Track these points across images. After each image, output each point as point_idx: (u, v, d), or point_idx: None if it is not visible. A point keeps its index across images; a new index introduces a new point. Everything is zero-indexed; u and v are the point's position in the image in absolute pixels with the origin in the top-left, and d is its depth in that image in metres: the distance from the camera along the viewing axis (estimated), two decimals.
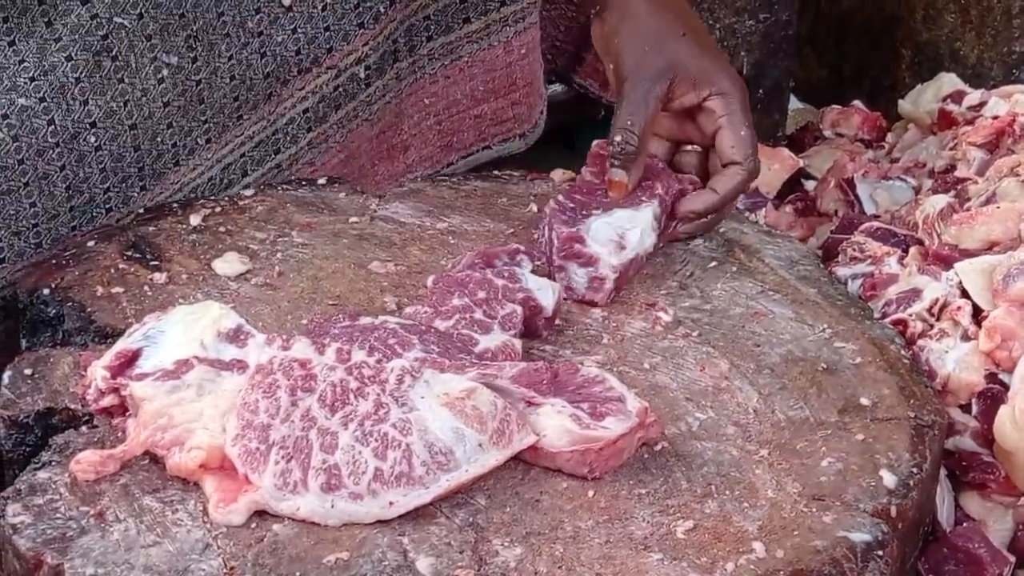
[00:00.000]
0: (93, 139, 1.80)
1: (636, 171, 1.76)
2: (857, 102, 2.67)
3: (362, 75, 1.98)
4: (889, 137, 2.54)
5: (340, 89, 1.99)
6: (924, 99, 2.49)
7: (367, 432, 1.36)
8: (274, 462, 1.34)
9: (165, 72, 1.83)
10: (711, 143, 1.82)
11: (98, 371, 1.43)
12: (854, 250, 1.92)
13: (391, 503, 1.34)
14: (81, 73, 1.77)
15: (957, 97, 2.40)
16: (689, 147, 1.87)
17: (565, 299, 1.67)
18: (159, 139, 1.86)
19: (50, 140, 1.76)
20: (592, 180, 1.79)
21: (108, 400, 1.44)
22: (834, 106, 2.66)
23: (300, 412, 1.38)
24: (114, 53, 1.79)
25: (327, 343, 1.45)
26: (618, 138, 1.75)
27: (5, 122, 1.73)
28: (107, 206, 1.84)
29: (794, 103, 2.91)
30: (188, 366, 1.42)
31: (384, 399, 1.39)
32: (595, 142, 1.83)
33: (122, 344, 1.46)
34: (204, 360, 1.43)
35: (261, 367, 1.41)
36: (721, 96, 1.79)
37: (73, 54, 1.76)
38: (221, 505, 1.34)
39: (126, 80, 1.81)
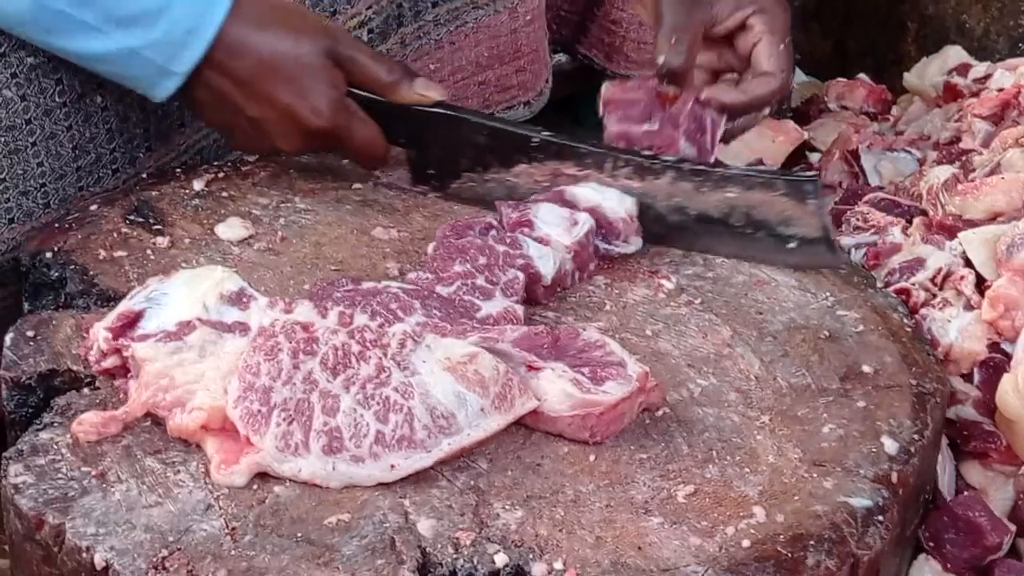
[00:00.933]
0: (100, 99, 1.80)
1: (687, 84, 1.77)
2: (862, 75, 2.67)
3: (365, 39, 1.98)
4: (894, 110, 2.54)
5: None
6: (929, 72, 2.49)
7: (369, 395, 1.36)
8: (275, 424, 1.35)
9: None
10: (748, 64, 1.82)
11: (100, 332, 1.43)
12: (858, 220, 1.92)
13: (392, 466, 1.34)
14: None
15: (963, 70, 2.41)
16: (728, 76, 1.87)
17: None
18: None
19: (57, 99, 1.76)
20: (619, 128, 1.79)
21: (110, 361, 1.44)
22: (839, 79, 2.66)
23: (302, 375, 1.38)
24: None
25: (329, 307, 1.45)
26: (664, 54, 1.74)
27: (14, 81, 1.73)
28: (113, 167, 1.83)
29: (799, 76, 2.89)
30: (190, 328, 1.42)
31: (386, 363, 1.39)
32: (606, 85, 1.83)
33: (124, 306, 1.46)
34: (206, 322, 1.43)
35: (263, 330, 1.41)
36: (763, 13, 1.80)
37: None
38: (223, 466, 1.34)
39: None
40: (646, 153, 1.74)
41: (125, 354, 1.42)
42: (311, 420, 1.35)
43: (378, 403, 1.36)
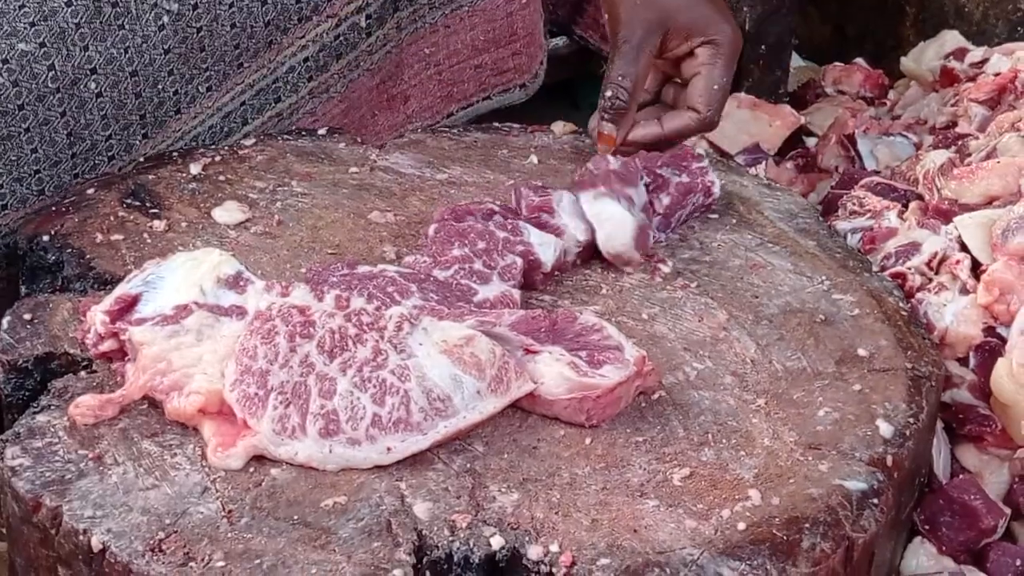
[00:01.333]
0: (94, 85, 1.80)
1: (624, 126, 1.79)
2: (859, 60, 2.66)
3: (363, 24, 1.98)
4: (891, 94, 2.54)
5: (341, 38, 1.99)
6: (926, 56, 2.49)
7: (365, 378, 1.37)
8: (272, 407, 1.35)
9: (166, 19, 1.83)
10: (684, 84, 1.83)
11: (97, 315, 1.44)
12: (854, 204, 1.92)
13: (389, 448, 1.35)
14: (81, 19, 1.77)
15: (959, 54, 2.40)
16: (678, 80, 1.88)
17: None
18: (160, 86, 1.86)
19: (50, 86, 1.76)
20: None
21: (107, 345, 1.44)
22: (836, 63, 2.66)
23: (298, 358, 1.38)
24: None
25: (326, 290, 1.45)
26: (608, 92, 1.76)
27: (5, 67, 1.73)
28: (109, 153, 1.83)
29: (796, 60, 2.90)
30: (187, 311, 1.42)
31: (383, 346, 1.39)
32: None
33: (122, 289, 1.46)
34: (203, 305, 1.43)
35: (260, 313, 1.41)
36: (710, 45, 1.79)
37: None
38: (219, 449, 1.34)
39: (127, 26, 1.80)
40: None
41: (122, 338, 1.42)
42: (308, 403, 1.35)
43: (375, 386, 1.36)
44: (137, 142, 1.85)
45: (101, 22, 1.78)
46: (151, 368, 1.39)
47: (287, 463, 1.34)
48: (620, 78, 1.76)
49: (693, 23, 1.79)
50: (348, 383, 1.36)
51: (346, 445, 1.34)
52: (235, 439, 1.35)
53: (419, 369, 1.38)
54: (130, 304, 1.44)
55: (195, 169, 1.77)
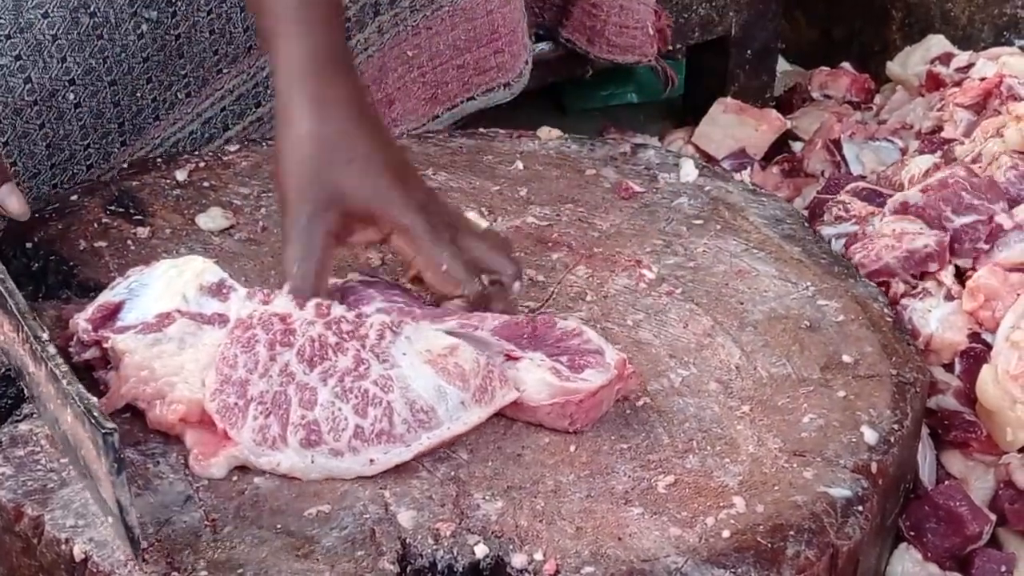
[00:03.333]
0: (72, 96, 1.79)
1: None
2: (846, 64, 2.67)
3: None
4: (877, 99, 2.54)
5: None
6: (912, 61, 2.50)
7: (347, 389, 1.36)
8: (252, 417, 1.34)
9: (144, 27, 1.82)
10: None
11: (80, 324, 1.43)
12: (839, 209, 1.92)
13: (372, 460, 1.34)
14: (58, 30, 1.76)
15: (945, 59, 2.41)
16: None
17: None
18: (139, 94, 1.86)
19: (27, 98, 1.76)
20: None
21: (90, 353, 1.43)
22: (823, 68, 2.66)
23: (278, 367, 1.37)
24: (92, 9, 1.78)
25: (308, 297, 1.44)
26: (292, 287, 1.44)
27: None
28: (88, 163, 1.83)
29: (783, 65, 2.90)
30: (170, 319, 1.42)
31: (364, 355, 1.38)
32: None
33: (104, 297, 1.46)
34: (186, 313, 1.43)
35: (241, 321, 1.41)
36: (400, 233, 1.49)
37: (49, 11, 1.75)
38: (201, 459, 1.34)
39: (105, 36, 1.80)
40: None
41: (105, 346, 1.42)
42: (288, 413, 1.35)
43: (357, 396, 1.36)
44: (116, 150, 1.85)
45: (79, 33, 1.77)
46: (133, 376, 1.38)
47: (270, 472, 1.34)
48: (298, 272, 1.44)
49: (372, 201, 1.48)
50: (329, 393, 1.36)
51: (328, 456, 1.34)
52: (216, 448, 1.34)
53: (402, 380, 1.38)
54: (113, 312, 1.44)
55: (181, 176, 1.76)
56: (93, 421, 1.22)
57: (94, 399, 1.26)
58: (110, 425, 1.21)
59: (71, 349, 1.45)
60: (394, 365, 1.38)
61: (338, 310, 1.42)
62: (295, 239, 1.45)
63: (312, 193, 1.46)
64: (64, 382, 1.27)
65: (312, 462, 1.33)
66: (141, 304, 1.44)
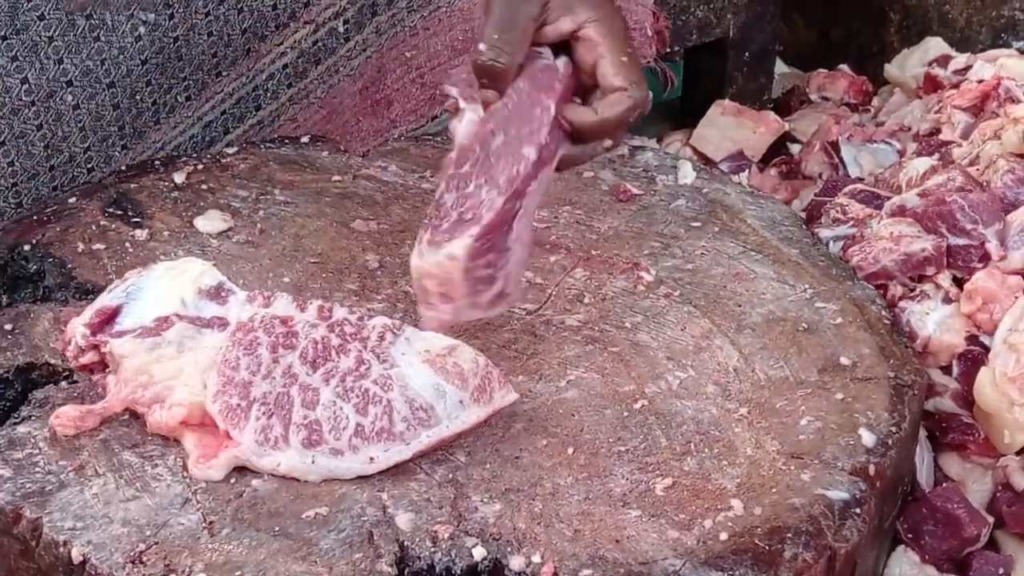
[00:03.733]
0: (70, 98, 1.79)
1: (505, 87, 1.56)
2: (844, 66, 2.67)
3: (341, 29, 1.98)
4: (875, 101, 2.54)
5: (319, 44, 1.99)
6: (910, 63, 2.50)
7: (348, 388, 1.36)
8: (255, 418, 1.34)
9: (142, 29, 1.82)
10: (593, 79, 1.61)
11: (78, 328, 1.43)
12: (837, 212, 1.92)
13: (372, 459, 1.34)
14: (54, 32, 1.76)
15: (943, 61, 2.41)
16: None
17: None
18: (138, 97, 1.86)
19: (25, 99, 1.76)
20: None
21: (88, 357, 1.43)
22: (821, 70, 2.66)
23: (281, 369, 1.38)
24: (88, 11, 1.78)
25: (308, 300, 1.45)
26: (484, 50, 1.53)
27: None
28: (88, 165, 1.83)
29: (781, 67, 2.90)
30: (168, 323, 1.42)
31: (365, 355, 1.39)
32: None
33: (102, 301, 1.45)
34: (184, 317, 1.43)
35: (242, 324, 1.41)
36: (598, 23, 1.59)
37: (46, 13, 1.75)
38: (201, 461, 1.34)
39: (102, 38, 1.80)
40: None
41: (103, 350, 1.42)
42: (290, 413, 1.35)
43: (357, 396, 1.36)
44: (117, 153, 1.85)
45: (75, 34, 1.77)
46: (133, 380, 1.38)
47: (269, 474, 1.34)
48: (496, 37, 1.54)
49: None
50: (331, 393, 1.36)
51: (329, 455, 1.34)
52: (217, 450, 1.35)
53: (402, 379, 1.38)
54: (111, 316, 1.44)
55: (179, 178, 1.76)
56: None
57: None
58: None
59: (69, 353, 1.45)
60: (394, 365, 1.39)
61: (340, 313, 1.43)
62: (500, 15, 1.55)
63: None
64: None
65: (313, 462, 1.34)
66: (139, 308, 1.44)
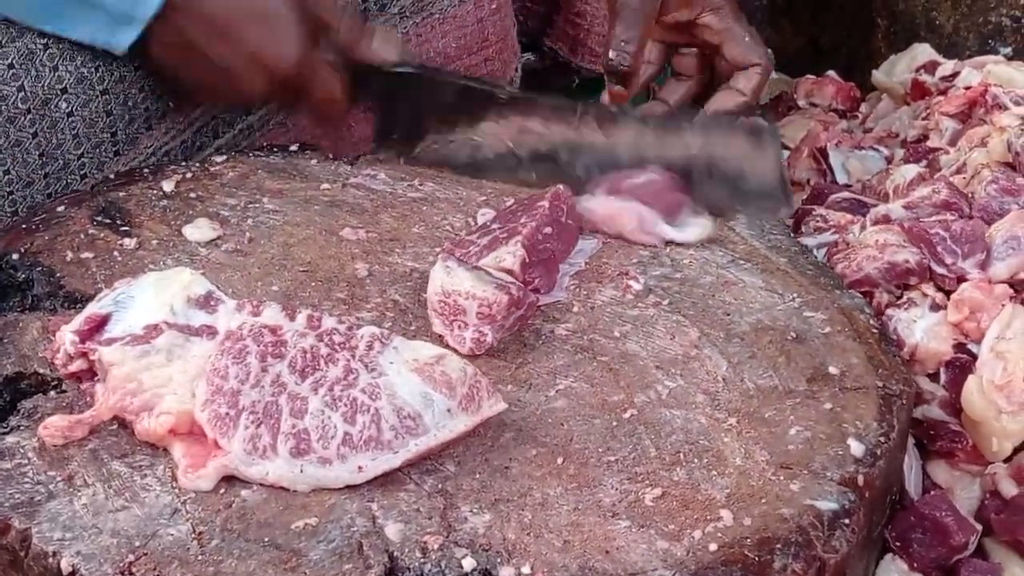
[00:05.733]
0: (64, 105, 1.79)
1: (632, 87, 1.86)
2: (832, 72, 2.67)
3: None
4: (863, 107, 2.54)
5: None
6: (898, 69, 2.50)
7: (336, 397, 1.36)
8: (244, 427, 1.34)
9: None
10: (712, 50, 1.94)
11: (67, 335, 1.43)
12: (818, 221, 1.93)
13: (360, 467, 1.34)
14: (50, 39, 1.76)
15: (931, 67, 2.41)
16: (686, 50, 1.93)
17: None
18: (131, 103, 1.85)
19: (20, 106, 1.76)
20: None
21: (77, 365, 1.43)
22: (808, 76, 2.66)
23: (270, 378, 1.38)
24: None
25: (297, 309, 1.45)
26: (612, 56, 1.82)
27: None
28: (81, 172, 1.83)
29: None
30: (157, 331, 1.42)
31: (354, 364, 1.39)
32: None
33: (91, 309, 1.45)
34: (174, 325, 1.43)
35: (231, 333, 1.41)
36: (714, 11, 1.88)
37: None
38: (190, 471, 1.34)
39: None
40: (610, 105, 1.83)
41: (92, 358, 1.42)
42: (279, 422, 1.35)
43: (346, 405, 1.36)
44: (109, 160, 1.84)
45: (71, 41, 1.77)
46: (121, 388, 1.38)
47: (258, 484, 1.34)
48: (623, 43, 1.81)
49: None
50: (319, 402, 1.36)
51: (317, 464, 1.34)
52: (206, 460, 1.34)
53: (389, 387, 1.38)
54: (100, 324, 1.44)
55: (168, 186, 1.76)
56: None
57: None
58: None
59: (57, 361, 1.45)
60: (382, 373, 1.39)
61: (329, 322, 1.43)
62: (624, 17, 1.83)
63: None
64: None
65: (301, 471, 1.34)
66: (128, 316, 1.44)
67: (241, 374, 1.37)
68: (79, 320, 1.44)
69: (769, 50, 1.90)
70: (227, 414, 1.35)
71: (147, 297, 1.46)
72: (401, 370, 1.39)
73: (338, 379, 1.38)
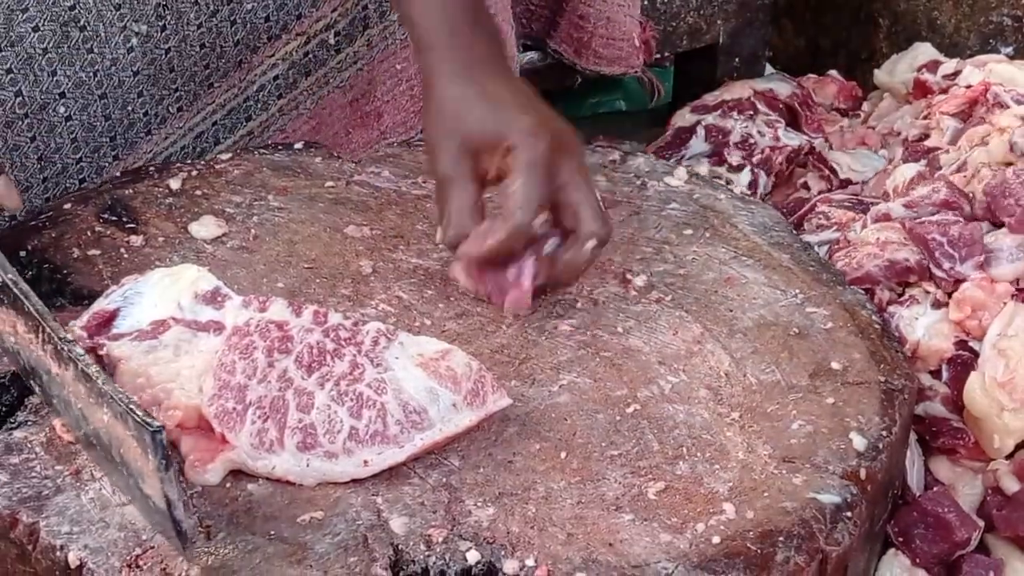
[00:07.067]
0: (63, 109, 1.80)
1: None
2: (833, 71, 2.68)
3: (332, 41, 1.99)
4: (865, 106, 2.55)
5: (310, 55, 1.99)
6: (899, 69, 2.51)
7: (343, 392, 1.37)
8: (251, 421, 1.35)
9: (134, 41, 1.83)
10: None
11: (75, 331, 1.44)
12: (820, 219, 1.93)
13: (366, 462, 1.35)
14: (48, 44, 1.77)
15: (932, 67, 2.42)
16: None
17: None
18: (130, 108, 1.86)
19: (18, 111, 1.76)
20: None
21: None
22: (810, 75, 2.67)
23: (277, 373, 1.38)
24: (82, 23, 1.79)
25: (303, 305, 1.46)
26: (450, 232, 1.56)
27: None
28: (80, 176, 1.84)
29: (770, 72, 2.91)
30: (165, 327, 1.43)
31: (360, 360, 1.40)
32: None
33: (99, 304, 1.46)
34: (181, 321, 1.43)
35: (238, 329, 1.42)
36: (513, 152, 1.53)
37: (40, 24, 1.76)
38: (197, 465, 1.35)
39: (95, 50, 1.80)
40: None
41: (100, 353, 1.42)
42: (286, 417, 1.36)
43: (352, 399, 1.37)
44: (108, 164, 1.85)
45: (69, 46, 1.78)
46: (130, 383, 1.39)
47: (264, 478, 1.35)
48: (456, 212, 1.55)
49: (489, 130, 1.56)
50: (326, 397, 1.37)
51: (323, 459, 1.35)
52: (213, 455, 1.35)
53: (395, 382, 1.39)
54: (108, 319, 1.45)
55: (173, 184, 1.77)
56: (138, 419, 1.23)
57: (133, 397, 1.29)
58: (157, 424, 1.22)
59: None
60: (387, 368, 1.40)
61: (335, 318, 1.43)
62: (446, 196, 1.56)
63: (445, 145, 1.56)
64: (99, 381, 1.28)
65: (308, 465, 1.34)
66: (136, 312, 1.45)
67: (248, 369, 1.38)
68: (87, 316, 1.45)
69: (611, 226, 1.58)
70: (234, 409, 1.36)
71: (154, 293, 1.47)
72: (407, 365, 1.40)
73: (344, 374, 1.39)
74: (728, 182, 2.13)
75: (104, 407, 1.29)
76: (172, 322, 1.43)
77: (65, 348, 1.32)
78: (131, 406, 1.25)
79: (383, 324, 1.45)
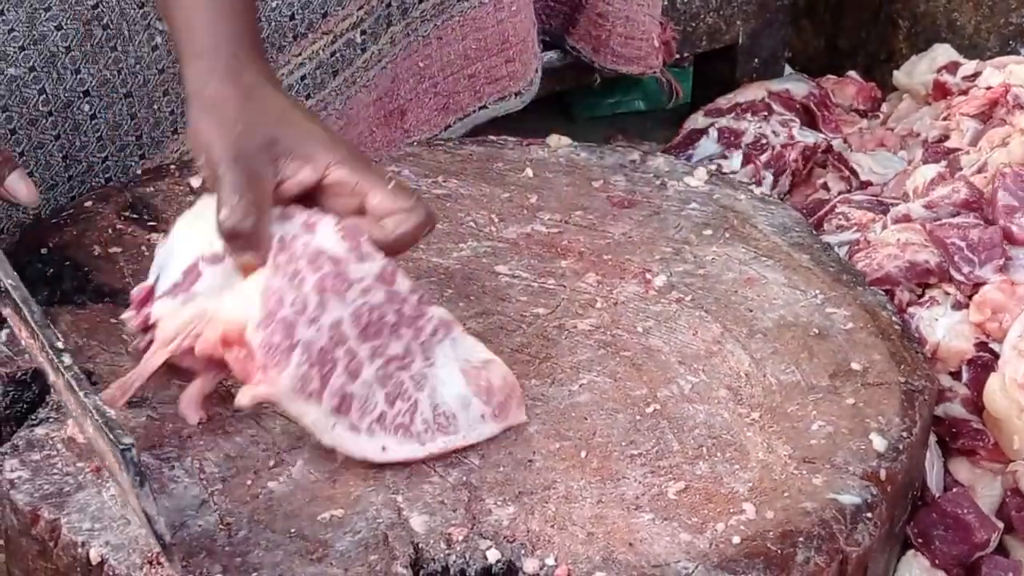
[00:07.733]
0: (87, 108, 1.80)
1: (263, 249, 1.38)
2: (852, 72, 2.68)
3: (358, 40, 1.99)
4: (884, 107, 2.55)
5: (337, 55, 1.99)
6: (919, 70, 2.50)
7: (388, 375, 1.37)
8: (296, 364, 1.32)
9: (159, 39, 1.83)
10: (359, 211, 1.43)
11: (127, 319, 1.40)
12: (840, 219, 1.93)
13: (384, 448, 1.35)
14: (72, 42, 1.77)
15: (952, 68, 2.42)
16: None
17: None
18: (156, 107, 1.86)
19: (42, 109, 1.77)
20: None
21: (148, 338, 1.39)
22: (830, 76, 2.67)
23: (330, 319, 1.34)
24: (105, 22, 1.79)
25: (362, 241, 1.37)
26: (230, 217, 1.35)
27: None
28: (106, 175, 1.84)
29: (789, 73, 2.91)
30: (196, 274, 1.37)
31: (414, 346, 1.39)
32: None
33: (139, 286, 1.42)
34: (210, 258, 1.37)
35: (283, 244, 1.35)
36: (341, 164, 1.42)
37: (63, 23, 1.76)
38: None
39: (119, 48, 1.81)
40: None
41: (150, 324, 1.39)
42: (331, 375, 1.34)
43: (393, 386, 1.37)
44: (134, 163, 1.86)
45: (92, 45, 1.79)
46: (179, 333, 1.36)
47: (285, 476, 1.35)
48: (236, 199, 1.36)
49: (305, 144, 1.42)
50: (372, 373, 1.36)
51: (347, 429, 1.35)
52: (251, 378, 1.33)
53: (435, 380, 1.39)
54: (149, 294, 1.40)
55: (195, 182, 1.77)
56: (111, 438, 1.23)
57: (111, 411, 1.27)
58: (127, 440, 1.22)
59: (140, 347, 1.41)
60: (433, 363, 1.40)
61: (403, 284, 1.39)
62: (232, 180, 1.37)
63: (242, 142, 1.39)
64: (81, 394, 1.28)
65: (333, 428, 1.34)
66: (170, 269, 1.40)
67: (297, 304, 1.34)
68: (132, 297, 1.41)
69: (433, 210, 1.44)
70: (281, 344, 1.33)
71: (184, 238, 1.41)
72: (451, 367, 1.41)
73: (396, 356, 1.37)
74: (721, 169, 2.12)
75: (87, 419, 1.28)
76: (202, 264, 1.37)
77: (55, 357, 1.32)
78: (108, 422, 1.24)
79: (448, 314, 1.43)
